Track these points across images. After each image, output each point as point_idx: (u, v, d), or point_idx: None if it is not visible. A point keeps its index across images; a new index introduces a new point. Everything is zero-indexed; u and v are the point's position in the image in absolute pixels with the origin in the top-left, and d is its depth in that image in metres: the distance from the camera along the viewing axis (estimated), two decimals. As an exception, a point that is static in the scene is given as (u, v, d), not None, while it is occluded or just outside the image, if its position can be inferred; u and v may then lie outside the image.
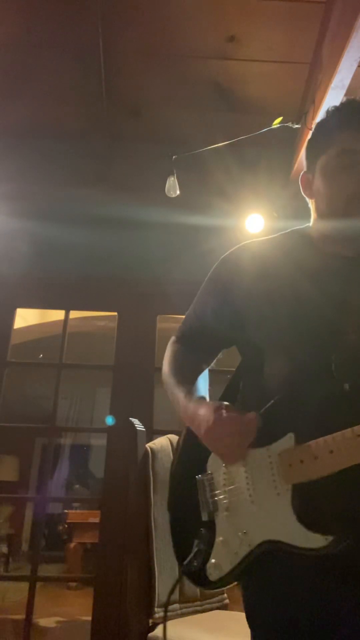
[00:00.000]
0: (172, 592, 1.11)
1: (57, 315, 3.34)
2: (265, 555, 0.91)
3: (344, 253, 1.04)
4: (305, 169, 1.13)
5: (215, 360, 1.22)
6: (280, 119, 2.42)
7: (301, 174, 1.14)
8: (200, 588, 1.05)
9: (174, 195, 2.52)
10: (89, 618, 2.31)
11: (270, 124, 2.43)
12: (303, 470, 0.88)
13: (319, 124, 1.10)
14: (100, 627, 2.27)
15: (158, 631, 1.52)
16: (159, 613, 1.56)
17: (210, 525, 1.00)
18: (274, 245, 1.13)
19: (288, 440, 0.92)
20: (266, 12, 2.13)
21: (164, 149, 2.60)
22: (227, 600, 1.80)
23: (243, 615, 0.99)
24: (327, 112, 1.08)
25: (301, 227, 1.15)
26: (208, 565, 0.97)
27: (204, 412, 0.97)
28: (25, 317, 3.88)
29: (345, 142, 1.03)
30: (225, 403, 0.97)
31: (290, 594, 0.90)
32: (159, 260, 2.76)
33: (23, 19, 2.18)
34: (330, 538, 0.82)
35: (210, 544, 0.98)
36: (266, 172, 2.68)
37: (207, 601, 1.74)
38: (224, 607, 1.77)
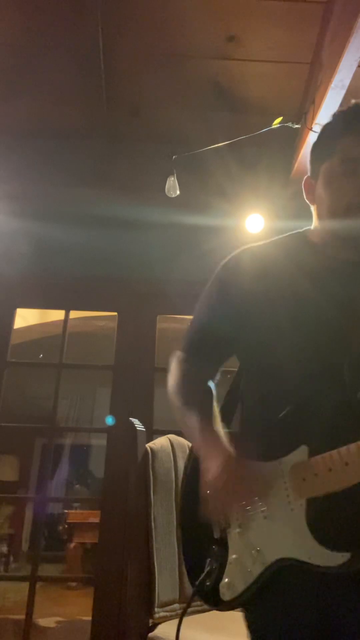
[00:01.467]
0: (189, 604, 1.05)
1: (57, 315, 3.34)
2: (278, 574, 0.89)
3: (344, 257, 1.05)
4: (309, 173, 1.13)
5: (220, 372, 1.19)
6: (280, 119, 2.42)
7: (304, 178, 1.14)
8: (213, 608, 1.01)
9: (174, 195, 2.52)
10: (89, 618, 2.31)
11: (270, 124, 2.43)
12: (317, 484, 0.85)
13: (324, 128, 1.11)
14: (100, 627, 2.27)
15: (158, 631, 1.52)
16: (159, 613, 1.56)
17: (223, 543, 0.97)
18: (275, 247, 1.13)
19: (301, 453, 0.89)
20: (266, 12, 2.13)
21: (164, 149, 2.60)
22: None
23: (243, 615, 0.99)
24: (333, 115, 1.09)
25: (302, 230, 1.15)
26: (221, 585, 0.94)
27: (214, 468, 0.93)
28: (25, 317, 3.89)
29: (348, 149, 1.03)
30: (233, 456, 0.93)
31: (296, 609, 0.89)
32: (159, 260, 2.76)
33: (23, 19, 2.18)
34: (347, 556, 0.79)
35: (223, 562, 0.95)
36: (266, 172, 2.68)
37: (207, 601, 1.73)
38: (224, 607, 1.77)
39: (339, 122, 1.07)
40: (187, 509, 1.08)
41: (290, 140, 2.63)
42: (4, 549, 6.55)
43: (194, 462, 1.08)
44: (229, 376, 1.18)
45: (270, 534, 0.90)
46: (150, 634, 1.52)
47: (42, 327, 4.11)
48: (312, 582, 0.87)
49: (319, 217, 1.10)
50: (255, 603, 0.93)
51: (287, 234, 1.15)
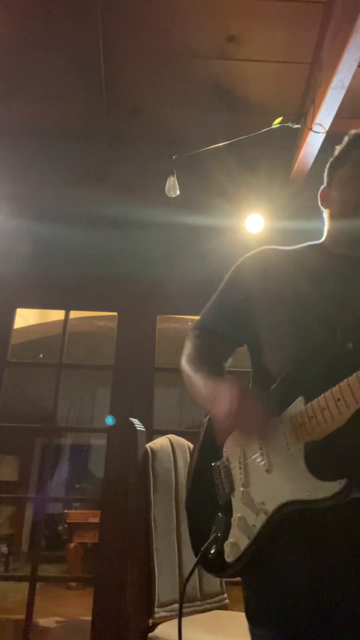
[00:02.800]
0: (190, 575, 1.10)
1: (57, 315, 3.34)
2: (279, 534, 0.91)
3: (351, 254, 1.14)
4: (324, 184, 1.26)
5: (230, 358, 1.26)
6: (280, 119, 2.42)
7: (321, 188, 1.26)
8: (217, 576, 1.08)
9: (174, 195, 2.52)
10: (89, 618, 2.31)
11: (270, 124, 2.43)
12: (314, 425, 0.90)
13: (341, 148, 1.23)
14: (100, 627, 2.27)
15: (158, 631, 1.52)
16: (159, 613, 1.56)
17: (227, 508, 1.00)
18: (286, 250, 1.23)
19: (298, 403, 0.95)
20: (266, 12, 2.13)
21: (164, 149, 2.60)
22: (227, 600, 1.80)
23: (243, 615, 0.99)
24: (349, 134, 1.21)
25: (315, 242, 1.25)
26: (225, 545, 0.97)
27: (224, 393, 0.99)
28: (25, 317, 3.89)
29: (359, 156, 1.16)
30: (242, 385, 1.00)
31: (293, 582, 0.91)
32: (159, 260, 2.76)
33: (23, 19, 2.18)
34: (343, 482, 0.83)
35: (227, 526, 0.99)
36: (266, 172, 2.68)
37: (207, 601, 1.74)
38: (224, 607, 1.77)
39: (354, 139, 1.20)
40: (195, 489, 1.12)
41: (290, 140, 2.63)
42: (4, 549, 6.55)
43: (203, 441, 1.14)
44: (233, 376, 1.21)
45: (272, 484, 0.94)
46: (150, 634, 1.52)
47: (42, 327, 4.11)
48: (310, 550, 0.91)
49: (331, 217, 1.21)
50: (253, 569, 0.96)
51: (306, 243, 1.26)
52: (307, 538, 0.92)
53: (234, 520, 0.97)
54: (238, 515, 0.97)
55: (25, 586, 2.41)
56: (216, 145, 2.50)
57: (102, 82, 2.33)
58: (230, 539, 0.96)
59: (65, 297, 2.81)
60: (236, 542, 0.95)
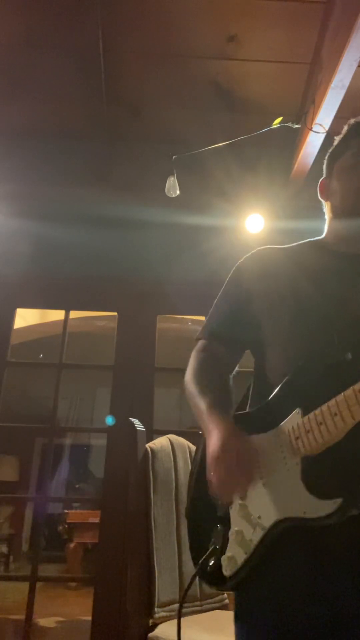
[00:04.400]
0: (190, 584, 1.09)
1: (57, 315, 3.34)
2: (276, 548, 0.90)
3: (352, 251, 1.11)
4: (324, 176, 1.22)
5: (237, 365, 1.23)
6: (280, 119, 2.42)
7: (320, 180, 1.23)
8: (216, 588, 1.02)
9: (174, 195, 2.52)
10: (89, 618, 2.31)
11: (270, 124, 2.43)
12: (310, 440, 0.88)
13: (340, 137, 1.20)
14: (100, 627, 2.27)
15: (158, 631, 1.52)
16: (159, 613, 1.56)
17: (226, 520, 0.98)
18: (285, 249, 1.21)
19: (295, 415, 0.93)
20: (266, 12, 2.13)
21: (164, 149, 2.60)
22: (227, 600, 1.80)
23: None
24: (348, 124, 1.18)
25: (315, 238, 1.22)
26: (223, 559, 0.95)
27: (214, 440, 0.96)
28: (25, 317, 3.89)
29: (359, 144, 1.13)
30: (235, 432, 0.97)
31: (291, 596, 0.89)
32: (159, 260, 2.76)
33: (23, 19, 2.18)
34: (338, 501, 0.81)
35: (225, 538, 0.97)
36: (266, 172, 2.68)
37: (207, 601, 1.74)
38: (224, 607, 1.77)
39: (353, 127, 1.17)
40: (196, 498, 1.10)
41: (290, 140, 2.63)
42: (4, 549, 6.55)
43: (203, 452, 1.10)
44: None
45: (268, 499, 0.92)
46: (150, 634, 1.52)
47: (42, 327, 4.11)
48: (308, 564, 0.89)
49: (333, 209, 1.18)
50: (251, 583, 0.94)
51: (305, 240, 1.22)
52: (306, 553, 0.90)
53: (232, 534, 0.96)
54: (235, 528, 0.95)
55: (25, 586, 2.41)
56: (216, 145, 2.50)
57: (102, 82, 2.33)
58: (228, 553, 0.95)
59: (65, 297, 2.81)
60: (233, 556, 0.94)
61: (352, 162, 1.13)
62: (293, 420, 0.93)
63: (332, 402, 0.86)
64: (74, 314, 2.89)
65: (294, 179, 2.65)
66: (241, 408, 1.15)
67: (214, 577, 0.97)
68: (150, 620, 1.56)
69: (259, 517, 0.92)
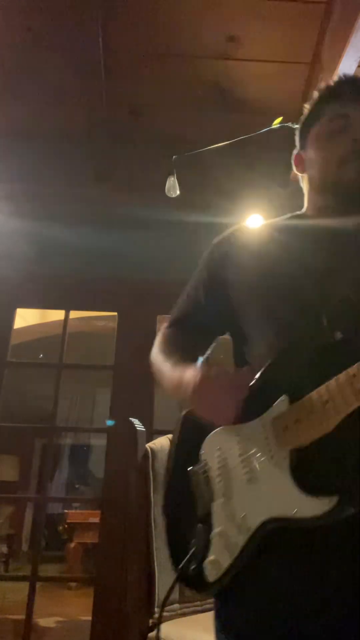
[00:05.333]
0: (170, 591, 1.02)
1: (57, 315, 3.34)
2: (263, 549, 0.81)
3: (337, 226, 1.02)
4: (297, 149, 1.14)
5: (208, 350, 1.16)
6: (280, 119, 2.42)
7: (294, 153, 1.15)
8: (199, 594, 0.95)
9: (174, 195, 2.52)
10: (89, 618, 2.31)
11: (270, 124, 2.43)
12: (300, 430, 0.80)
13: (311, 103, 1.11)
14: (100, 627, 2.27)
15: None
16: (159, 613, 1.56)
17: (207, 519, 0.88)
18: (266, 226, 1.14)
19: (281, 403, 0.84)
20: (266, 12, 2.13)
21: (164, 149, 2.59)
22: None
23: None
24: (318, 89, 1.10)
25: (296, 212, 1.15)
26: (205, 563, 0.85)
27: (190, 373, 0.90)
28: (25, 317, 3.89)
29: (336, 109, 1.05)
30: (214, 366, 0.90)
31: (279, 604, 0.81)
32: (159, 260, 2.76)
33: (24, 19, 2.18)
34: (334, 499, 0.73)
35: (207, 540, 0.87)
36: (266, 172, 2.68)
37: (207, 601, 1.73)
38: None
39: (326, 92, 1.09)
40: (172, 494, 1.01)
41: (290, 140, 2.63)
42: (4, 549, 6.55)
43: (178, 442, 1.03)
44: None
45: (254, 496, 0.83)
46: (150, 634, 1.52)
47: (42, 327, 4.11)
48: (299, 570, 0.81)
49: (311, 182, 1.10)
50: (233, 590, 0.86)
51: (285, 215, 1.15)
52: (297, 557, 0.81)
53: (214, 535, 0.86)
54: (219, 529, 0.86)
55: (25, 586, 2.41)
56: (216, 145, 2.50)
57: (102, 82, 2.33)
58: (211, 556, 0.85)
59: (65, 297, 2.81)
60: (217, 560, 0.84)
61: (329, 129, 1.05)
62: (279, 408, 0.84)
63: (322, 388, 0.78)
64: (74, 314, 2.89)
65: (294, 179, 2.65)
66: None
67: (195, 582, 0.88)
68: (150, 620, 1.56)
69: (244, 517, 0.83)
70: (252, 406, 0.87)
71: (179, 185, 2.51)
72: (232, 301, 1.05)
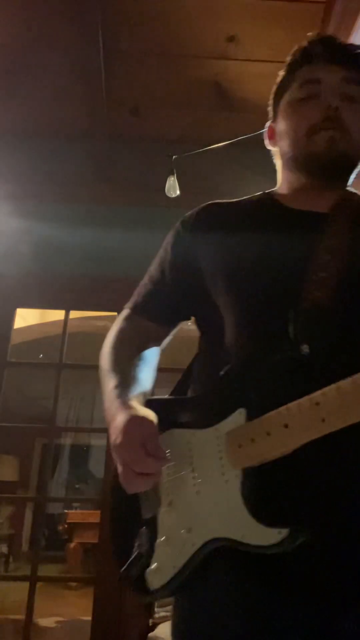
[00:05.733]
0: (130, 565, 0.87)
1: (57, 315, 3.34)
2: (210, 560, 0.76)
3: (311, 209, 0.92)
4: (270, 120, 1.05)
5: (169, 336, 1.07)
6: (280, 119, 2.42)
7: (266, 125, 1.05)
8: (141, 599, 0.90)
9: (174, 195, 2.52)
10: (89, 618, 2.31)
11: (270, 124, 2.43)
12: (255, 450, 0.74)
13: (284, 70, 1.02)
14: (100, 627, 2.27)
15: (158, 631, 1.52)
16: (159, 613, 1.56)
17: (152, 524, 0.83)
18: (237, 205, 1.04)
19: (238, 416, 0.77)
20: (266, 12, 2.13)
21: (164, 149, 2.59)
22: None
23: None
24: (292, 53, 1.02)
25: (270, 190, 1.06)
26: (147, 571, 0.80)
27: (119, 421, 0.80)
28: (25, 317, 3.88)
29: (307, 73, 0.96)
30: (144, 415, 0.80)
31: (230, 613, 0.76)
32: (159, 260, 2.76)
33: (23, 18, 2.18)
34: (284, 532, 0.68)
35: (151, 545, 0.81)
36: (266, 172, 2.68)
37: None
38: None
39: (296, 56, 1.00)
40: (118, 494, 0.90)
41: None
42: (4, 549, 6.56)
43: None
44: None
45: (202, 510, 0.78)
46: (150, 634, 1.52)
47: (42, 327, 4.11)
48: (242, 590, 0.75)
49: (283, 155, 1.00)
50: (183, 594, 0.81)
51: (256, 194, 1.06)
52: (240, 578, 0.75)
53: (158, 544, 0.81)
54: (163, 538, 0.81)
55: (25, 586, 2.41)
56: (216, 145, 2.50)
57: (102, 82, 2.33)
58: (154, 564, 0.80)
59: (65, 297, 2.81)
60: (159, 570, 0.79)
61: (299, 95, 0.95)
62: (235, 420, 0.77)
63: (283, 410, 0.71)
64: (74, 314, 2.89)
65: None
66: (181, 391, 0.98)
67: (137, 587, 0.82)
68: (150, 620, 1.56)
69: (190, 530, 0.78)
70: (208, 412, 0.81)
71: (179, 186, 2.51)
72: (199, 285, 0.95)
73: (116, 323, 1.06)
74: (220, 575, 0.76)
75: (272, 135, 1.04)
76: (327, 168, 0.92)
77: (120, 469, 0.79)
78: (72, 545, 5.58)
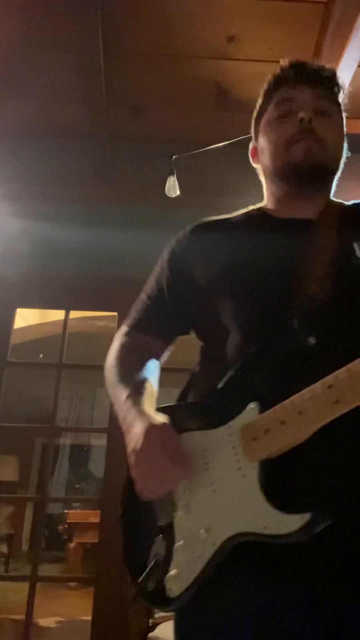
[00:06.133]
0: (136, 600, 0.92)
1: (57, 315, 3.34)
2: (231, 561, 0.76)
3: (298, 216, 1.00)
4: (252, 141, 1.14)
5: (167, 351, 1.12)
6: (280, 119, 2.42)
7: (250, 146, 1.15)
8: (160, 610, 0.89)
9: (174, 195, 2.52)
10: (89, 618, 2.31)
11: (270, 124, 2.43)
12: (270, 440, 0.75)
13: (261, 96, 1.12)
14: (100, 627, 2.27)
15: (158, 631, 1.52)
16: (159, 613, 1.56)
17: (169, 531, 0.82)
18: (229, 221, 1.10)
19: (251, 411, 0.79)
20: (266, 12, 2.12)
21: (164, 149, 2.59)
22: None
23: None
24: (267, 80, 1.11)
25: (258, 204, 1.13)
26: (166, 578, 0.79)
27: (137, 431, 0.82)
28: (25, 317, 3.89)
29: (282, 94, 1.05)
30: (164, 422, 0.83)
31: (239, 622, 0.77)
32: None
33: (23, 18, 2.18)
34: (307, 516, 0.69)
35: (169, 552, 0.81)
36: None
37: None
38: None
39: (271, 80, 1.09)
40: (127, 499, 0.93)
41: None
42: (4, 549, 6.55)
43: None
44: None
45: (220, 508, 0.78)
46: (150, 634, 1.52)
47: (42, 327, 4.11)
48: (262, 586, 0.76)
49: (265, 171, 1.09)
50: (193, 605, 0.79)
51: (245, 209, 1.14)
52: (260, 574, 0.76)
53: (177, 549, 0.80)
54: (181, 542, 0.80)
55: (25, 586, 2.41)
56: (216, 145, 2.50)
57: (102, 82, 2.33)
58: (172, 571, 0.79)
59: (65, 297, 2.81)
60: (179, 575, 0.78)
61: (275, 113, 1.05)
62: (248, 416, 0.79)
63: (296, 398, 0.74)
64: (74, 314, 2.89)
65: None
66: (185, 399, 1.01)
67: (155, 598, 0.81)
68: (150, 620, 1.56)
69: (209, 530, 0.78)
70: (217, 412, 0.83)
71: (179, 186, 2.51)
72: (198, 298, 1.00)
73: (116, 339, 1.12)
74: (241, 576, 0.77)
75: (255, 154, 1.13)
76: (307, 177, 0.99)
77: (138, 476, 0.80)
78: (72, 545, 5.58)
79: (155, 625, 1.56)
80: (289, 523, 0.70)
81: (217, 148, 2.50)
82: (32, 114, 2.67)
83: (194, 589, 0.77)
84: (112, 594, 2.28)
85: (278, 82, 1.07)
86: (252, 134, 1.14)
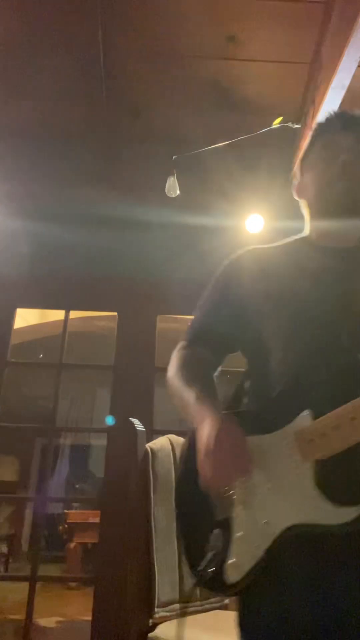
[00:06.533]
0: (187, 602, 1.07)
1: (57, 315, 3.34)
2: (283, 555, 0.87)
3: (340, 245, 1.10)
4: (298, 179, 1.25)
5: (220, 367, 1.20)
6: (280, 119, 2.42)
7: (294, 184, 1.25)
8: (219, 595, 0.99)
9: (174, 195, 2.52)
10: (89, 618, 2.31)
11: (270, 124, 2.43)
12: (326, 443, 0.85)
13: (307, 143, 1.22)
14: (100, 627, 2.27)
15: (158, 631, 1.52)
16: (159, 613, 1.56)
17: (226, 524, 0.93)
18: (275, 248, 1.20)
19: (305, 417, 0.89)
20: (266, 12, 2.13)
21: (164, 149, 2.60)
22: (227, 600, 1.80)
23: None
24: (314, 127, 1.22)
25: (300, 235, 1.22)
26: (226, 565, 0.90)
27: (207, 428, 0.92)
28: (25, 317, 3.89)
29: (329, 138, 1.16)
30: (234, 424, 0.93)
31: (292, 599, 0.87)
32: (159, 260, 2.76)
33: (24, 19, 2.18)
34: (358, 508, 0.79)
35: (227, 543, 0.91)
36: (266, 172, 2.68)
37: (207, 601, 1.73)
38: (224, 607, 1.77)
39: (317, 128, 1.20)
40: (184, 497, 1.04)
41: (290, 140, 2.63)
42: (4, 549, 6.55)
43: (189, 449, 1.04)
44: (228, 376, 1.19)
45: (277, 503, 0.88)
46: (150, 634, 1.52)
47: (42, 327, 4.11)
48: (313, 570, 0.87)
49: (309, 206, 1.18)
50: (253, 591, 0.90)
51: (287, 239, 1.22)
52: (315, 560, 0.87)
53: (235, 540, 0.91)
54: (239, 534, 0.90)
55: (25, 586, 2.41)
56: (216, 145, 2.50)
57: (102, 82, 2.33)
58: (231, 559, 0.89)
59: (65, 297, 2.81)
60: (238, 563, 0.88)
61: (320, 156, 1.16)
62: (302, 422, 0.89)
63: (349, 405, 0.83)
64: (74, 314, 2.89)
65: (294, 178, 2.65)
66: (232, 408, 1.09)
67: (214, 584, 0.91)
68: (150, 620, 1.56)
69: (267, 523, 0.88)
70: (271, 419, 0.93)
71: (179, 186, 2.51)
72: (247, 320, 1.10)
73: (175, 353, 1.20)
74: (293, 569, 0.87)
75: (299, 190, 1.23)
76: (346, 212, 1.10)
77: (207, 468, 0.89)
78: (72, 545, 5.57)
79: (155, 625, 1.56)
80: (343, 515, 0.80)
81: (217, 148, 2.50)
82: (33, 114, 2.67)
83: (251, 576, 0.87)
84: (112, 594, 2.28)
85: (322, 130, 1.18)
86: (298, 172, 1.24)
